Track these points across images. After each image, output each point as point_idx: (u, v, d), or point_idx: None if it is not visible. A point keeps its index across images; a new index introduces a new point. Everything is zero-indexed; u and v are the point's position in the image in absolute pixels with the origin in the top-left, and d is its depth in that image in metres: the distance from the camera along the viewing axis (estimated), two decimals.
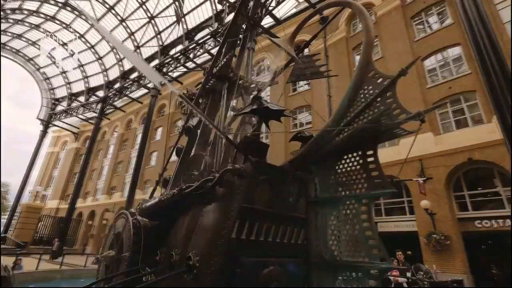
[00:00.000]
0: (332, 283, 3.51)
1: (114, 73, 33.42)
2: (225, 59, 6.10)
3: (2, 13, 27.71)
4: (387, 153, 13.00)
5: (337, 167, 4.05)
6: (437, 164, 13.24)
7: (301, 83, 20.56)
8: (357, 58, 18.10)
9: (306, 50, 10.49)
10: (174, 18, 25.50)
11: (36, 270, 11.42)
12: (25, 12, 30.46)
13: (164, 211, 4.82)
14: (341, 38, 19.35)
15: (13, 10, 29.38)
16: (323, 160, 4.26)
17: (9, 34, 34.02)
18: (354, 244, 3.59)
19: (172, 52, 26.04)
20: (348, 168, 3.86)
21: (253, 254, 3.96)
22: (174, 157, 6.21)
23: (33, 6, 30.12)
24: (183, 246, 4.42)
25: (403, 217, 14.60)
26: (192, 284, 3.81)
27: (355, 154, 3.74)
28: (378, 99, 3.13)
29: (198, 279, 3.85)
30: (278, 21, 22.82)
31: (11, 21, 31.19)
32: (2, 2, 25.68)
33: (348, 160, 3.87)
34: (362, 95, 3.57)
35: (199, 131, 6.27)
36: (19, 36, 34.58)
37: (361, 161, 3.63)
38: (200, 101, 6.78)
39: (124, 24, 29.52)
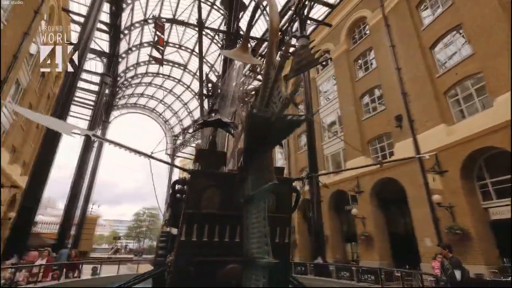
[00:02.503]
0: (254, 282, 3.60)
1: None
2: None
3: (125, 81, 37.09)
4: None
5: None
6: None
7: (364, 65, 18.70)
8: (425, 14, 15.16)
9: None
10: None
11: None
12: (139, 75, 39.64)
13: None
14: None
15: (133, 77, 38.81)
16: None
17: (136, 95, 44.84)
18: (258, 240, 3.66)
19: None
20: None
21: (208, 254, 4.51)
22: None
23: (149, 69, 38.92)
24: (171, 249, 5.38)
25: None
26: (169, 282, 4.71)
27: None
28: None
29: (171, 278, 4.72)
30: (331, 7, 21.82)
31: (134, 85, 41.17)
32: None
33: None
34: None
35: None
36: (141, 95, 45.04)
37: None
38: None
39: None
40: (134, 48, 31.05)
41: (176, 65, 36.92)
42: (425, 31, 14.58)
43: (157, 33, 13.05)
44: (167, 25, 29.40)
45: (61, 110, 12.23)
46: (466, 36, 12.68)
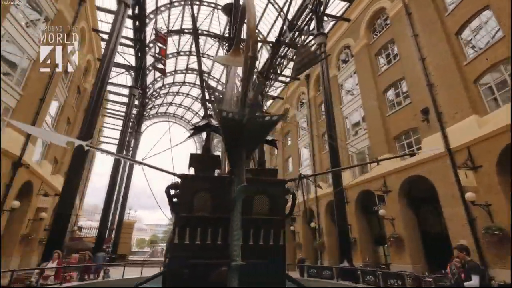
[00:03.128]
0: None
1: None
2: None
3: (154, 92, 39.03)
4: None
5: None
6: None
7: (386, 58, 17.78)
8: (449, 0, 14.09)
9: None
10: None
11: None
12: (167, 85, 41.47)
13: None
14: None
15: (161, 87, 40.74)
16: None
17: (165, 104, 46.94)
18: (233, 243, 3.66)
19: None
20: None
21: (202, 257, 4.60)
22: None
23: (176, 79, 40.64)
24: None
25: None
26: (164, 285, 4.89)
27: None
28: None
29: (165, 280, 4.89)
30: (349, 1, 21.19)
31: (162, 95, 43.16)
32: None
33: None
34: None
35: None
36: (170, 104, 47.04)
37: None
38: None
39: None
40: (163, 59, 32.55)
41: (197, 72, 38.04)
42: (450, 17, 13.53)
43: (159, 44, 13.57)
44: (188, 36, 30.56)
45: (89, 123, 13.17)
46: (495, 18, 11.56)
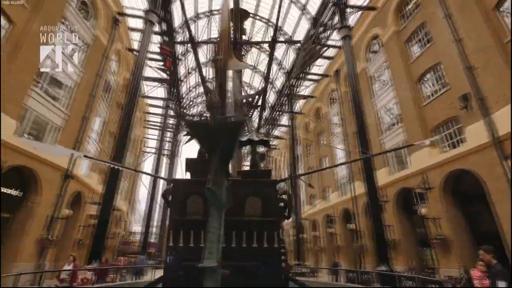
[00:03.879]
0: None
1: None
2: None
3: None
4: None
5: None
6: None
7: (418, 44, 16.35)
8: None
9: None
10: None
11: None
12: (201, 94, 43.04)
13: None
14: None
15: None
16: None
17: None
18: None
19: None
20: None
21: (196, 259, 4.67)
22: None
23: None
24: None
25: None
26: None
27: None
28: None
29: (163, 282, 5.06)
30: None
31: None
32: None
33: None
34: None
35: None
36: (205, 112, 48.80)
37: None
38: None
39: None
40: (192, 71, 34.04)
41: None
42: None
43: (164, 55, 14.16)
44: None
45: (123, 134, 14.26)
46: None
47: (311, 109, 32.81)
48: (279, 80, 33.46)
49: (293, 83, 27.95)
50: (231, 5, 8.70)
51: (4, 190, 13.22)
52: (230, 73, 9.48)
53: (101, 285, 10.00)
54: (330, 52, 25.90)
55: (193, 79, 36.96)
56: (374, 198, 14.55)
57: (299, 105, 34.24)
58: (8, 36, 12.42)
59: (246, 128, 3.59)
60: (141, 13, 18.49)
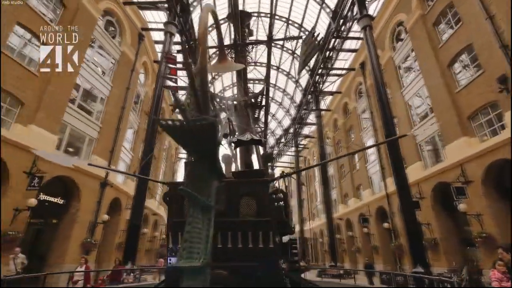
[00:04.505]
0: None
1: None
2: None
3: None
4: None
5: None
6: None
7: (447, 26, 15.00)
8: None
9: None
10: None
11: None
12: None
13: None
14: None
15: None
16: None
17: None
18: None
19: None
20: None
21: None
22: None
23: None
24: None
25: None
26: None
27: None
28: None
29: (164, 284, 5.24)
30: None
31: None
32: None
33: None
34: None
35: None
36: None
37: None
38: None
39: None
40: (216, 76, 34.88)
41: (257, 81, 39.12)
42: None
43: (169, 65, 14.50)
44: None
45: (148, 143, 15.04)
46: None
47: (338, 105, 31.78)
48: (303, 78, 32.97)
49: (317, 80, 27.33)
50: (232, 9, 8.77)
51: (49, 198, 14.68)
52: (229, 74, 9.49)
53: (116, 286, 10.57)
54: (354, 45, 24.93)
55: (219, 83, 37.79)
56: (405, 195, 13.62)
57: (326, 102, 33.37)
58: (45, 58, 13.76)
59: (220, 129, 3.59)
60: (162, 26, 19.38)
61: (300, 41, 23.26)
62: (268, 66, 10.33)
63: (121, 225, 20.24)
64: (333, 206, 33.03)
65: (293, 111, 38.98)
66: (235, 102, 6.91)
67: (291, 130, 39.19)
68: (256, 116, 7.57)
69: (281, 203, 5.12)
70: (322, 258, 38.31)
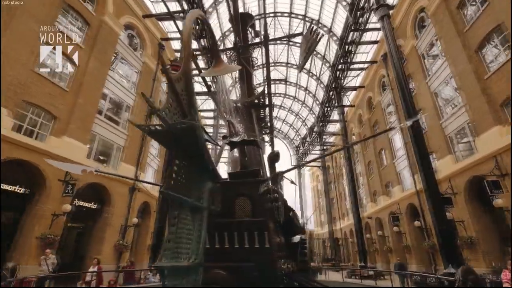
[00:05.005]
0: None
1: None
2: None
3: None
4: None
5: None
6: None
7: (472, 7, 13.86)
8: None
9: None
10: None
11: None
12: None
13: None
14: None
15: None
16: None
17: None
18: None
19: None
20: None
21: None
22: None
23: None
24: None
25: None
26: None
27: None
28: None
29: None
30: None
31: None
32: None
33: None
34: None
35: None
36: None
37: None
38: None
39: None
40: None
41: (278, 81, 38.98)
42: None
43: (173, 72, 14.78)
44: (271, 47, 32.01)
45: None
46: None
47: (362, 100, 30.69)
48: (325, 75, 32.32)
49: (338, 76, 26.63)
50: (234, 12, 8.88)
51: (84, 204, 15.84)
52: (226, 76, 9.65)
53: (129, 286, 11.03)
54: (375, 36, 24.02)
55: None
56: (433, 191, 12.82)
57: (349, 98, 32.42)
58: (74, 75, 14.91)
59: (197, 132, 3.69)
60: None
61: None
62: (268, 66, 10.28)
63: (152, 227, 21.22)
64: (362, 205, 31.98)
65: (317, 110, 38.32)
66: (239, 104, 7.02)
67: (316, 129, 38.57)
68: (262, 116, 7.61)
69: (279, 203, 5.11)
70: (354, 258, 37.11)
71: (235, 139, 4.81)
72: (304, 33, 6.68)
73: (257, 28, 12.51)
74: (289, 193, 31.11)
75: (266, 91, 7.55)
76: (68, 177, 13.38)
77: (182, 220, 3.84)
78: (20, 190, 12.49)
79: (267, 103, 7.74)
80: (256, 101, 7.05)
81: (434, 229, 17.59)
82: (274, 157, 6.88)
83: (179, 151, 3.89)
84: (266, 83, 39.36)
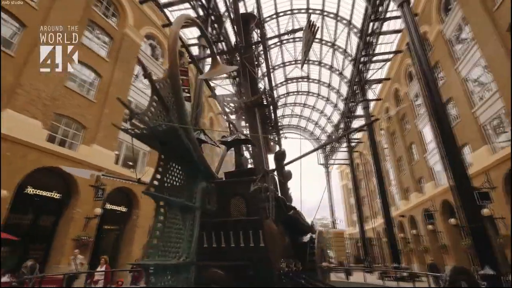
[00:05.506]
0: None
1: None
2: None
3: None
4: None
5: None
6: None
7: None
8: None
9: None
10: None
11: None
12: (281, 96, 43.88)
13: None
14: None
15: None
16: None
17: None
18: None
19: None
20: None
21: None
22: None
23: None
24: None
25: None
26: None
27: None
28: None
29: None
30: None
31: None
32: None
33: None
34: None
35: None
36: (283, 117, 49.29)
37: None
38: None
39: None
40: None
41: (300, 79, 38.47)
42: None
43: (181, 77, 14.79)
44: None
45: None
46: None
47: (388, 92, 29.30)
48: (347, 69, 31.32)
49: (361, 69, 25.67)
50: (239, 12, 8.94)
51: (114, 207, 16.83)
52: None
53: (136, 286, 11.37)
54: (398, 25, 22.82)
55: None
56: (464, 185, 11.90)
57: (375, 92, 31.09)
58: (99, 86, 15.95)
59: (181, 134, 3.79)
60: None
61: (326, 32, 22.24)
62: (267, 65, 10.16)
63: None
64: (395, 203, 30.50)
65: (341, 105, 37.20)
66: (242, 104, 7.06)
67: (341, 126, 37.45)
68: (266, 114, 7.56)
69: (270, 202, 5.06)
70: (388, 259, 35.44)
71: (228, 138, 4.86)
72: (304, 28, 6.59)
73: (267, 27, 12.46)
74: (318, 192, 30.51)
75: (267, 92, 7.48)
76: (98, 183, 14.30)
77: (170, 220, 3.94)
78: (56, 196, 13.58)
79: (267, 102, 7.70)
80: (264, 100, 7.05)
81: (469, 227, 16.37)
82: (280, 155, 6.83)
83: (165, 152, 4.03)
84: (286, 82, 39.18)
